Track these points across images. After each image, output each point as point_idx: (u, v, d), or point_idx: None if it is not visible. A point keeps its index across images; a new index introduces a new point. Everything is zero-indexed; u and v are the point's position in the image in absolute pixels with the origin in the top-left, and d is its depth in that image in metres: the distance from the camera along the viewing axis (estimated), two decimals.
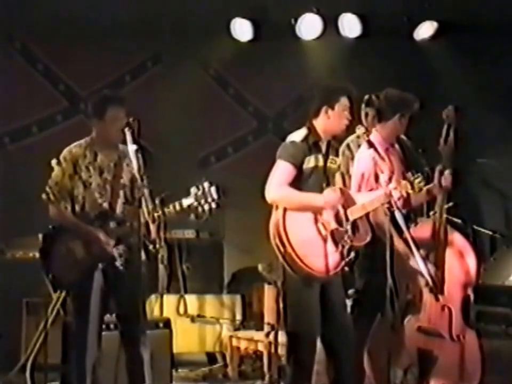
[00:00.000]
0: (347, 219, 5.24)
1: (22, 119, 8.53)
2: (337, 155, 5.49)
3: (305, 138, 5.35)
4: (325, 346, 5.36)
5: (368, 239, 5.30)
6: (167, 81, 8.64)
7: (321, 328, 5.31)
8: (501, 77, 8.36)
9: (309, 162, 5.33)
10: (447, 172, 5.57)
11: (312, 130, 5.38)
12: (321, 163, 5.36)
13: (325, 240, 5.22)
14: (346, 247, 5.20)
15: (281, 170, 5.30)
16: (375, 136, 5.64)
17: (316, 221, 5.25)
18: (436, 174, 5.58)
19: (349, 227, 5.24)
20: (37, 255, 7.16)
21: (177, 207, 5.13)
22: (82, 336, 5.24)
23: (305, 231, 5.21)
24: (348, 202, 5.29)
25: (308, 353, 5.28)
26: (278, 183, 5.26)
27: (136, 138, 5.14)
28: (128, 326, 5.17)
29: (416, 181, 5.28)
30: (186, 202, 5.13)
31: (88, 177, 5.32)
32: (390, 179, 5.26)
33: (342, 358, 5.34)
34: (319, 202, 5.25)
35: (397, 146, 5.79)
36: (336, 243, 5.22)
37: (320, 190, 5.31)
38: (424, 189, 5.55)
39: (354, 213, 5.27)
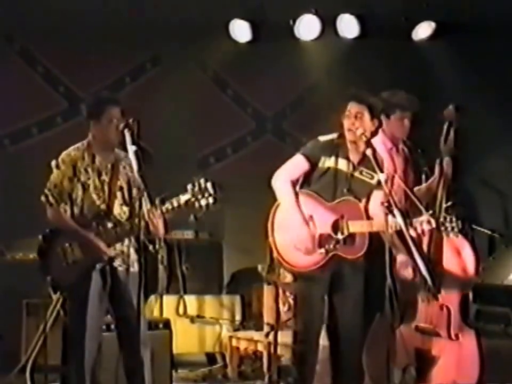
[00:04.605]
0: (344, 230, 5.28)
1: (22, 121, 8.52)
2: (374, 170, 5.30)
3: (331, 140, 5.42)
4: (330, 340, 5.38)
5: (360, 254, 5.31)
6: (166, 82, 8.64)
7: (328, 321, 5.34)
8: (499, 77, 8.37)
9: (325, 163, 5.37)
10: (446, 159, 5.59)
11: (341, 134, 5.43)
12: (340, 166, 5.39)
13: (310, 238, 5.27)
14: (330, 253, 5.24)
15: (293, 162, 5.45)
16: (379, 135, 5.70)
17: (309, 219, 5.29)
18: (436, 167, 5.59)
19: (341, 237, 5.27)
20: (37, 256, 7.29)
21: (175, 204, 5.15)
22: (81, 338, 5.23)
23: (292, 225, 5.30)
24: (354, 214, 5.31)
25: (311, 353, 5.30)
26: (286, 175, 5.40)
27: (136, 139, 5.16)
28: (126, 326, 5.17)
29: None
30: (183, 198, 5.14)
31: (86, 179, 5.33)
32: (390, 178, 5.30)
33: (345, 354, 5.36)
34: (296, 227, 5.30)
35: (403, 147, 5.82)
36: (320, 246, 5.27)
37: (330, 193, 5.36)
38: (424, 185, 5.59)
39: (354, 227, 5.30)
